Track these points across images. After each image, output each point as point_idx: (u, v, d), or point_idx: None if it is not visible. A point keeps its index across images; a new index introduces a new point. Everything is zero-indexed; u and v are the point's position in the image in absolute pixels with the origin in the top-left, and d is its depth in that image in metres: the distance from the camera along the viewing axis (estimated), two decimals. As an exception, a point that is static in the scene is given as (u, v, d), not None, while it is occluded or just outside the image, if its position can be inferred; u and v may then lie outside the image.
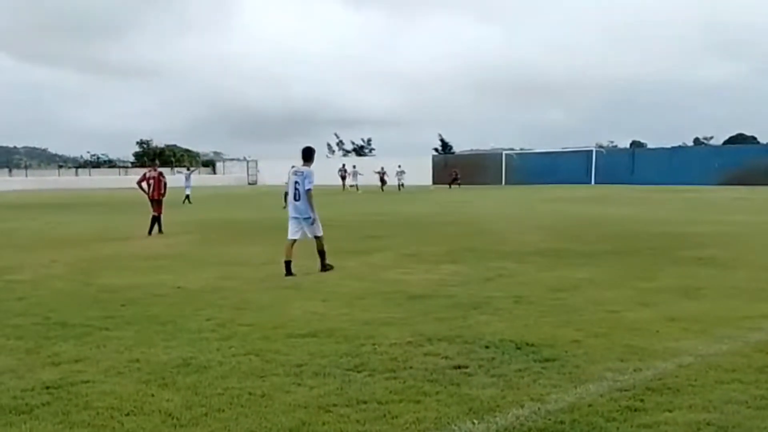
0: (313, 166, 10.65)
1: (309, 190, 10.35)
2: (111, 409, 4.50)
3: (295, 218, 10.53)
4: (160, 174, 18.33)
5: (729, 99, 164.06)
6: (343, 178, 54.86)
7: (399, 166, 53.85)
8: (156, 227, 17.36)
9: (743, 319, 6.80)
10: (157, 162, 19.51)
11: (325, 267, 10.52)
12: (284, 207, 12.81)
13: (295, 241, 10.48)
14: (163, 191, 17.88)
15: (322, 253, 10.58)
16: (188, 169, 42.62)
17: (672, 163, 54.34)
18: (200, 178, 41.19)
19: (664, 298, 7.95)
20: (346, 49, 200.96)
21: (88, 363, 5.59)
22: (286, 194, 11.30)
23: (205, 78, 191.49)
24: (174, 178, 36.85)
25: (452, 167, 60.09)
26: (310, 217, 10.43)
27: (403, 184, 53.57)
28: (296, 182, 10.46)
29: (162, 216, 17.62)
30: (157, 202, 17.66)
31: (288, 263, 10.25)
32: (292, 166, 10.72)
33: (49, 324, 7.02)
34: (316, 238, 10.59)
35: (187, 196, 33.95)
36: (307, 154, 10.77)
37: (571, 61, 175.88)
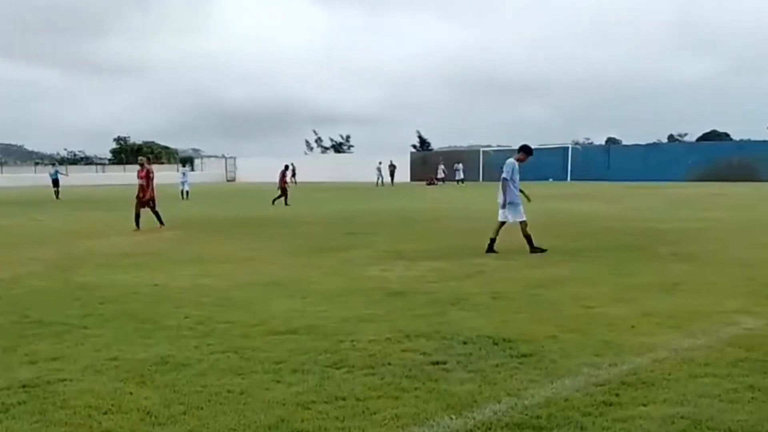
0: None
1: (504, 179, 11.86)
2: (88, 407, 4.48)
3: (499, 203, 12.19)
4: (149, 170, 18.22)
5: (703, 96, 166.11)
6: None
7: (384, 162, 54.80)
8: (157, 220, 17.77)
9: (717, 314, 6.90)
10: (142, 158, 19.38)
11: (533, 248, 11.83)
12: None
13: (502, 223, 12.19)
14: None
15: (526, 237, 11.96)
16: (184, 166, 43.76)
17: (647, 160, 54.83)
18: (179, 175, 41.68)
19: (639, 294, 8.04)
20: (324, 48, 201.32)
21: (65, 361, 5.56)
22: None
23: (183, 76, 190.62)
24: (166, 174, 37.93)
25: (437, 164, 60.13)
26: (504, 201, 11.99)
27: (384, 180, 54.53)
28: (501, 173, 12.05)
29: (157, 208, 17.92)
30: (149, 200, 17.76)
31: (528, 238, 11.92)
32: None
33: (26, 322, 6.98)
34: (519, 223, 12.02)
35: (182, 192, 36.03)
36: (519, 150, 12.31)
37: (547, 59, 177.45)
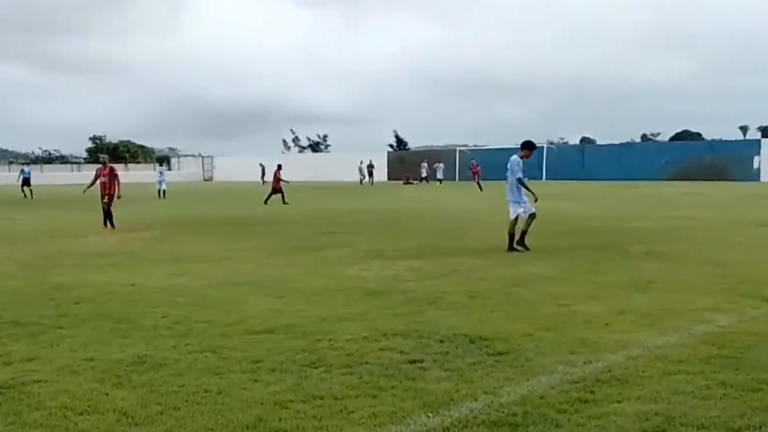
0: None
1: (519, 179, 12.02)
2: (64, 408, 4.45)
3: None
4: (113, 168, 18.03)
5: (675, 97, 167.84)
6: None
7: (369, 161, 55.26)
8: (106, 220, 17.38)
9: (690, 311, 7.00)
10: (104, 157, 19.20)
11: (512, 248, 11.87)
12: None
13: (516, 219, 12.09)
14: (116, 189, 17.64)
15: (522, 234, 12.01)
16: (161, 165, 43.46)
17: (621, 159, 55.40)
18: (156, 174, 41.57)
19: (614, 292, 8.13)
20: (302, 47, 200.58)
21: (40, 362, 5.52)
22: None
23: (160, 75, 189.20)
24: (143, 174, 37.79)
25: (420, 163, 60.08)
26: (510, 201, 12.14)
27: (364, 179, 54.99)
28: (507, 171, 12.18)
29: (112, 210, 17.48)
30: (108, 196, 17.49)
31: (520, 237, 11.97)
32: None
33: (0, 323, 6.90)
34: (521, 217, 12.09)
35: (159, 191, 36.17)
36: (522, 146, 12.52)
37: (522, 60, 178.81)
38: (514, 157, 12.22)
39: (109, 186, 17.51)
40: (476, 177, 43.27)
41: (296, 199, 29.96)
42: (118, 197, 17.74)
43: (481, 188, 39.44)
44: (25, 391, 4.81)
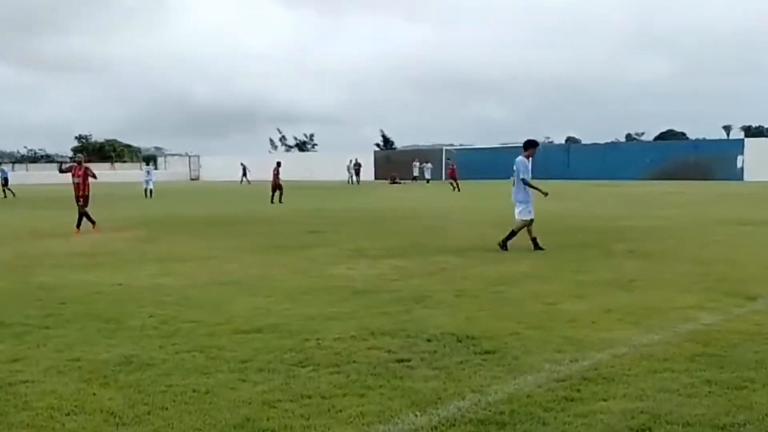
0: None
1: (522, 178, 12.13)
2: (51, 409, 4.44)
3: (513, 201, 12.39)
4: (87, 169, 17.45)
5: (659, 96, 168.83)
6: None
7: (355, 160, 55.24)
8: (78, 221, 16.87)
9: (674, 309, 7.06)
10: (80, 156, 18.94)
11: (505, 245, 11.94)
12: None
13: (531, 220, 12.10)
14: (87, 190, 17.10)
15: (512, 233, 12.08)
16: (148, 165, 42.99)
17: (605, 159, 55.66)
18: (143, 173, 41.26)
19: (599, 291, 8.18)
20: (286, 47, 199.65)
21: (27, 362, 5.49)
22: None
23: (144, 74, 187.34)
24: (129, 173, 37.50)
25: (412, 162, 59.87)
26: (519, 201, 12.20)
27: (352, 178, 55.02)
28: (514, 170, 12.27)
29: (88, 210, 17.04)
30: (83, 197, 16.98)
31: (533, 240, 11.99)
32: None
33: (-16, 323, 6.85)
34: (517, 219, 12.16)
35: (146, 191, 35.89)
36: (525, 145, 12.56)
37: (507, 60, 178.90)
38: (520, 158, 12.26)
39: (82, 187, 16.95)
40: (452, 177, 42.24)
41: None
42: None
43: (458, 188, 38.87)
44: (11, 391, 4.79)
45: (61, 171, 19.10)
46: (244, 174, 61.64)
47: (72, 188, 17.32)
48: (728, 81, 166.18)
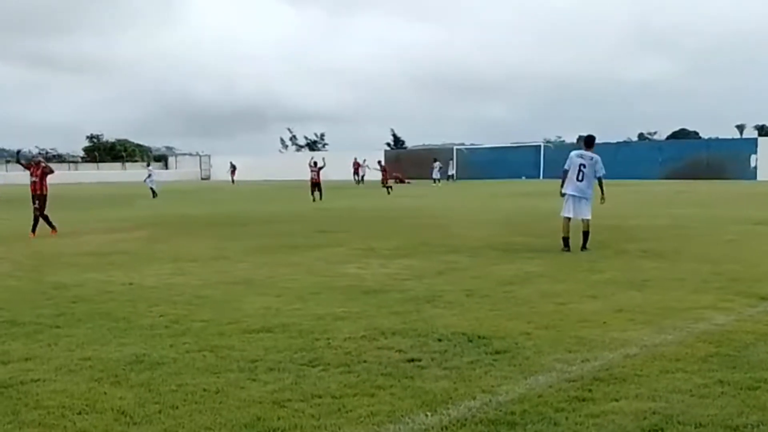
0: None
1: (604, 174, 11.92)
2: (62, 407, 4.45)
3: (574, 196, 11.74)
4: (45, 167, 16.60)
5: (671, 95, 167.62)
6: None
7: (364, 161, 54.55)
8: (34, 224, 15.93)
9: (687, 309, 7.01)
10: (39, 158, 17.91)
11: (585, 246, 11.55)
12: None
13: (569, 218, 11.71)
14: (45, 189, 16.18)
15: (586, 234, 11.65)
16: (149, 165, 42.63)
17: (617, 158, 55.15)
18: (144, 173, 40.94)
19: (611, 290, 8.14)
20: (295, 47, 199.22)
21: (38, 361, 5.51)
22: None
23: (155, 74, 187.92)
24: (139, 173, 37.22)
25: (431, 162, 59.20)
26: (588, 198, 11.77)
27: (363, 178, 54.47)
28: (582, 164, 11.72)
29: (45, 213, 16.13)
30: (39, 198, 16.08)
31: (566, 239, 11.59)
32: (576, 151, 12.08)
33: (-3, 322, 6.89)
34: (585, 220, 11.71)
35: (152, 190, 35.16)
36: (590, 141, 12.16)
37: (517, 59, 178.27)
38: (591, 154, 11.90)
39: (39, 186, 16.07)
40: (384, 178, 39.38)
41: (289, 197, 29.97)
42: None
43: (389, 191, 36.30)
44: (23, 390, 4.81)
45: (18, 162, 17.85)
46: (233, 173, 62.24)
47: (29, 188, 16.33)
48: (741, 80, 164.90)
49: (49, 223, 16.16)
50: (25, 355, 5.70)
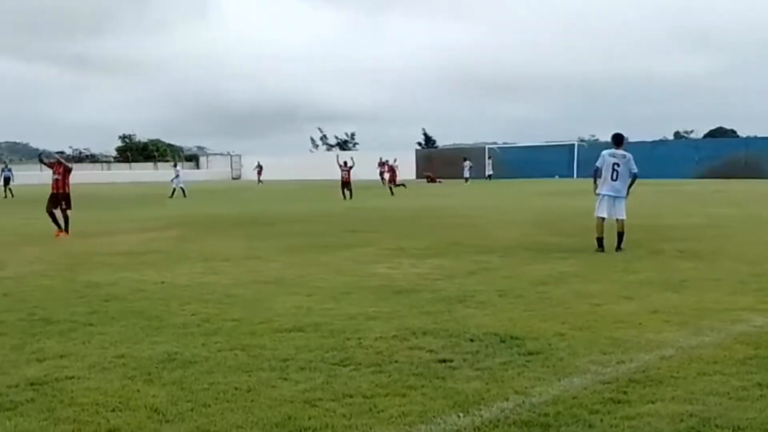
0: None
1: (637, 172, 11.66)
2: (96, 404, 4.49)
3: (609, 196, 11.56)
4: (65, 166, 16.35)
5: (708, 93, 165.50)
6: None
7: (395, 160, 54.16)
8: (66, 224, 15.80)
9: (725, 311, 6.89)
10: (62, 154, 17.73)
11: (620, 247, 11.40)
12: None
13: (603, 218, 11.55)
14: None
15: (621, 234, 11.51)
16: (175, 166, 42.98)
17: (653, 157, 54.52)
18: (183, 172, 41.05)
19: (646, 291, 8.03)
20: (327, 46, 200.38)
21: (72, 359, 5.56)
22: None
23: (187, 74, 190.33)
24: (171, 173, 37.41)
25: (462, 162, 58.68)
26: (624, 197, 11.59)
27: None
28: (616, 164, 11.56)
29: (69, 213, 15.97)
30: (63, 198, 15.92)
31: (600, 239, 11.46)
32: (607, 150, 11.93)
33: (33, 320, 6.97)
34: (620, 220, 11.55)
35: (182, 189, 35.27)
36: (620, 139, 12.02)
37: (551, 57, 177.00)
38: (623, 152, 11.71)
39: (62, 184, 15.89)
40: (387, 179, 37.97)
41: (319, 196, 30.04)
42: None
43: (392, 192, 35.07)
44: (57, 387, 4.86)
45: (41, 161, 18.00)
46: (260, 173, 62.53)
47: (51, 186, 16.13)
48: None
49: (57, 224, 15.92)
50: (59, 352, 5.76)
